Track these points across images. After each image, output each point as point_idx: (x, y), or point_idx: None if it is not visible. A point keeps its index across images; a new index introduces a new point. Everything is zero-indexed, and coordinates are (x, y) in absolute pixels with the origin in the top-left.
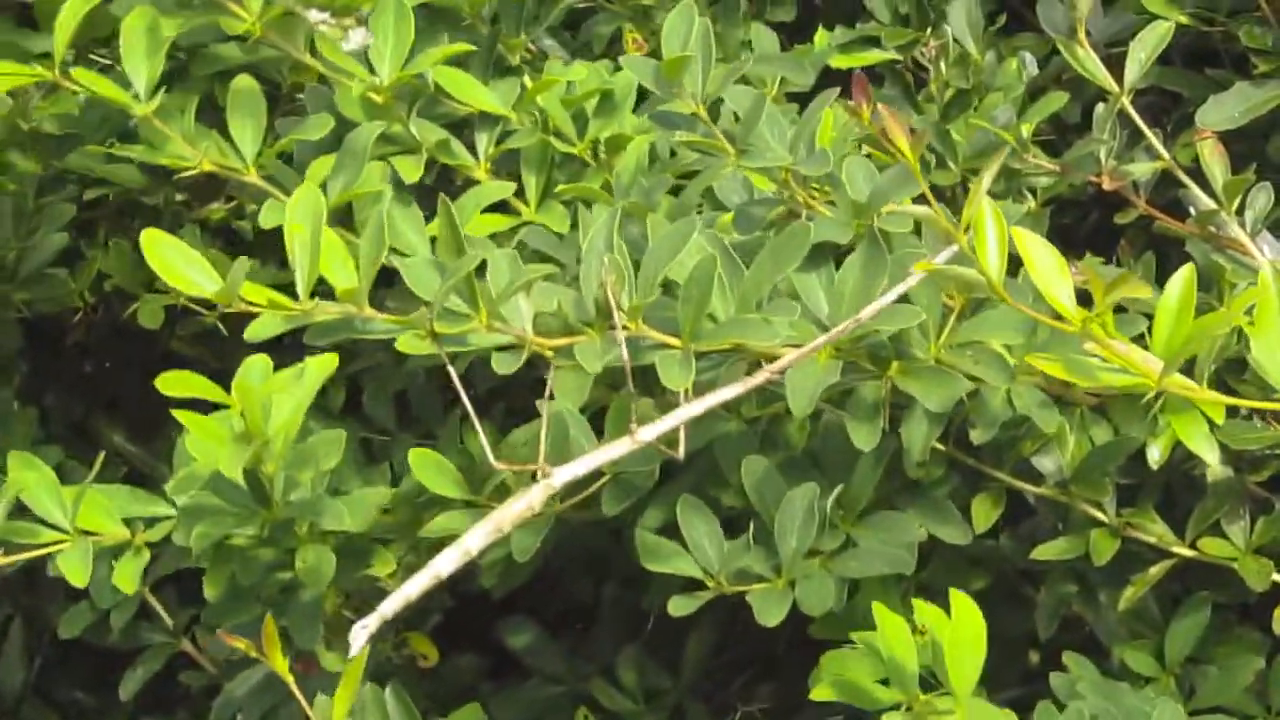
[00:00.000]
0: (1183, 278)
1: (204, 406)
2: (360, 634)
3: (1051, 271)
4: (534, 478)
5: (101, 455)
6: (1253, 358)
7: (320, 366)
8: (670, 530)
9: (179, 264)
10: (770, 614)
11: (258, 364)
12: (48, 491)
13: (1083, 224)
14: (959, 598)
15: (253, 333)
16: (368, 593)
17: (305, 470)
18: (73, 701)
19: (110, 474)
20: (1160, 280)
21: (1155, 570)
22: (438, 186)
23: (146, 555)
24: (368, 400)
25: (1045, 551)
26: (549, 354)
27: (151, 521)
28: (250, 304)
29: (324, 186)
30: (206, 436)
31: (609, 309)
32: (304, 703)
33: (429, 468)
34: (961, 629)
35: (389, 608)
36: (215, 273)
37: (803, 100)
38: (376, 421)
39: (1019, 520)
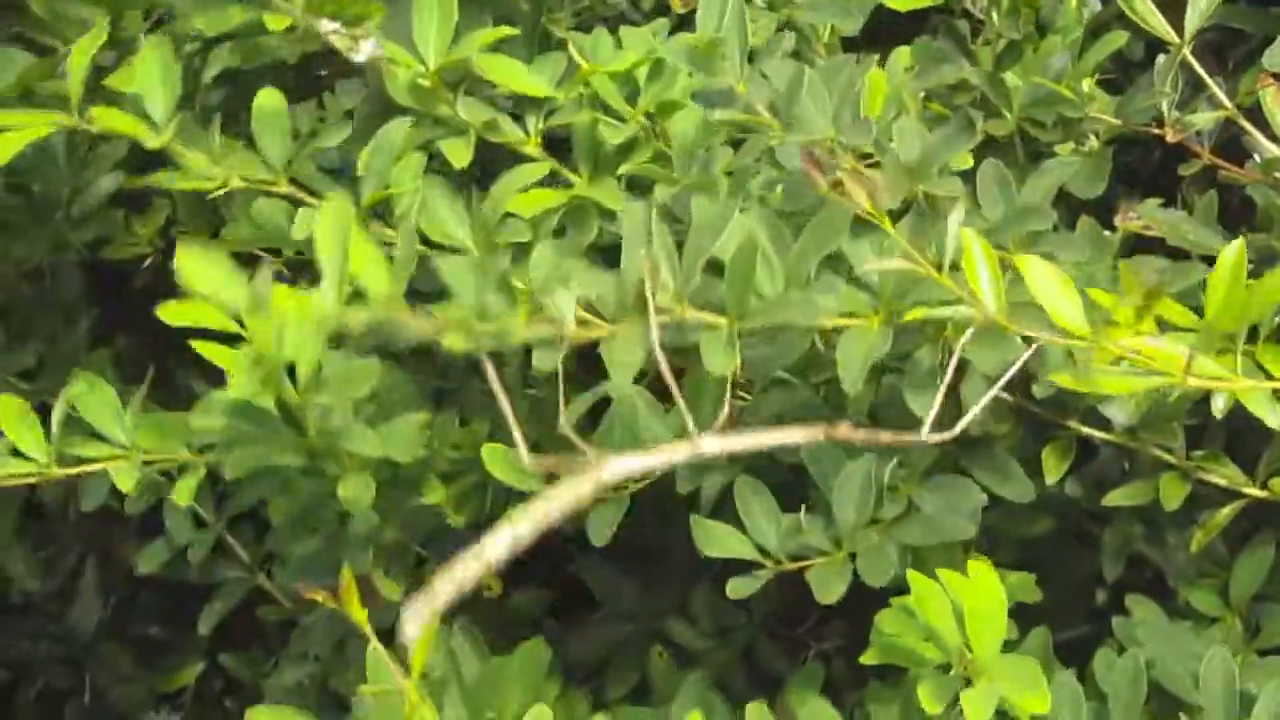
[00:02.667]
0: (1233, 255)
1: None
2: (410, 624)
3: (1056, 293)
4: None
5: (150, 373)
6: None
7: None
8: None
9: (213, 280)
10: (829, 590)
11: (278, 294)
12: (108, 409)
13: (1146, 161)
14: (978, 568)
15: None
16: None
17: (335, 398)
18: (147, 638)
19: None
20: (1222, 220)
21: (1226, 512)
22: (487, 172)
23: (203, 472)
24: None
25: (1116, 498)
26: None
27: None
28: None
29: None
30: (224, 364)
31: (649, 298)
32: (373, 638)
33: (501, 462)
34: (980, 599)
35: (441, 592)
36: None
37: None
38: (448, 367)
39: (1084, 462)
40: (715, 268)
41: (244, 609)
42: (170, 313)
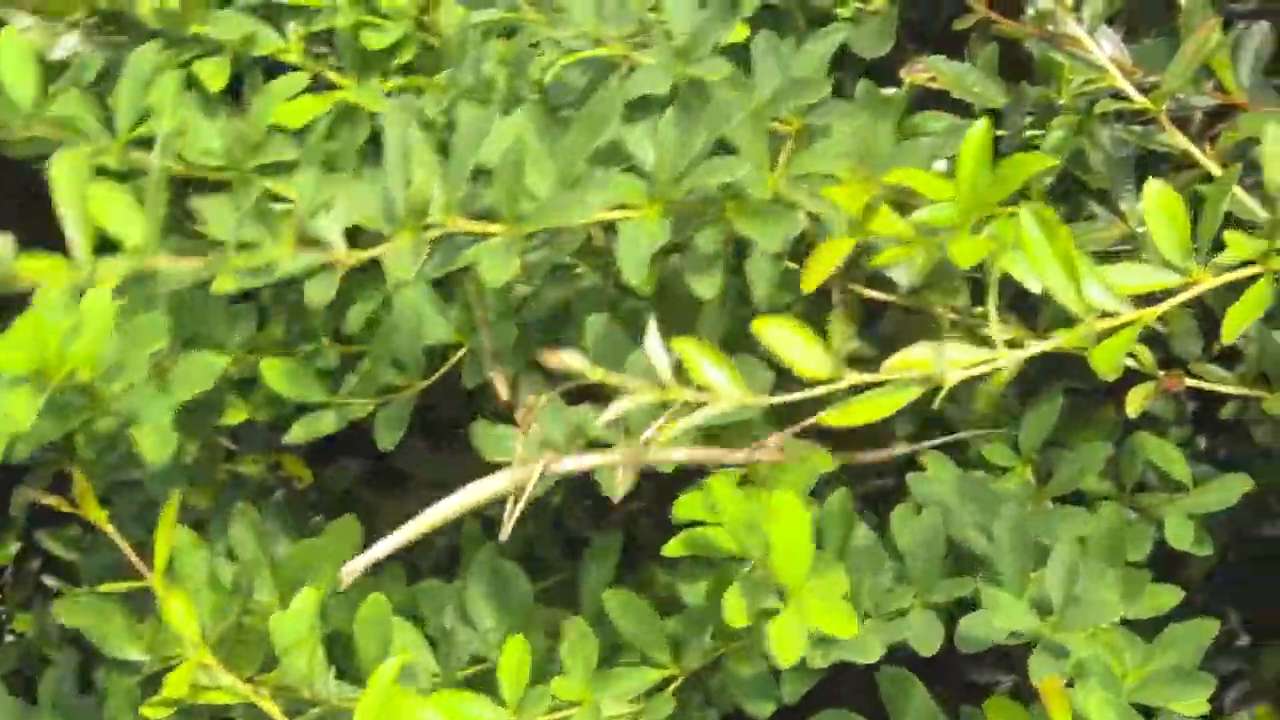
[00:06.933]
0: (977, 137)
1: None
2: (347, 574)
3: (797, 349)
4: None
5: None
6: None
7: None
8: None
9: None
10: (618, 486)
11: (48, 299)
12: None
13: (934, 20)
14: (783, 499)
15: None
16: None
17: (121, 377)
18: None
19: None
20: (1011, 73)
21: (1010, 365)
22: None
23: None
24: None
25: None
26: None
27: None
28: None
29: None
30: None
31: (420, 208)
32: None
33: (283, 377)
34: (786, 531)
35: (380, 551)
36: None
37: None
38: None
39: (871, 323)
40: (486, 174)
41: (60, 488)
42: None
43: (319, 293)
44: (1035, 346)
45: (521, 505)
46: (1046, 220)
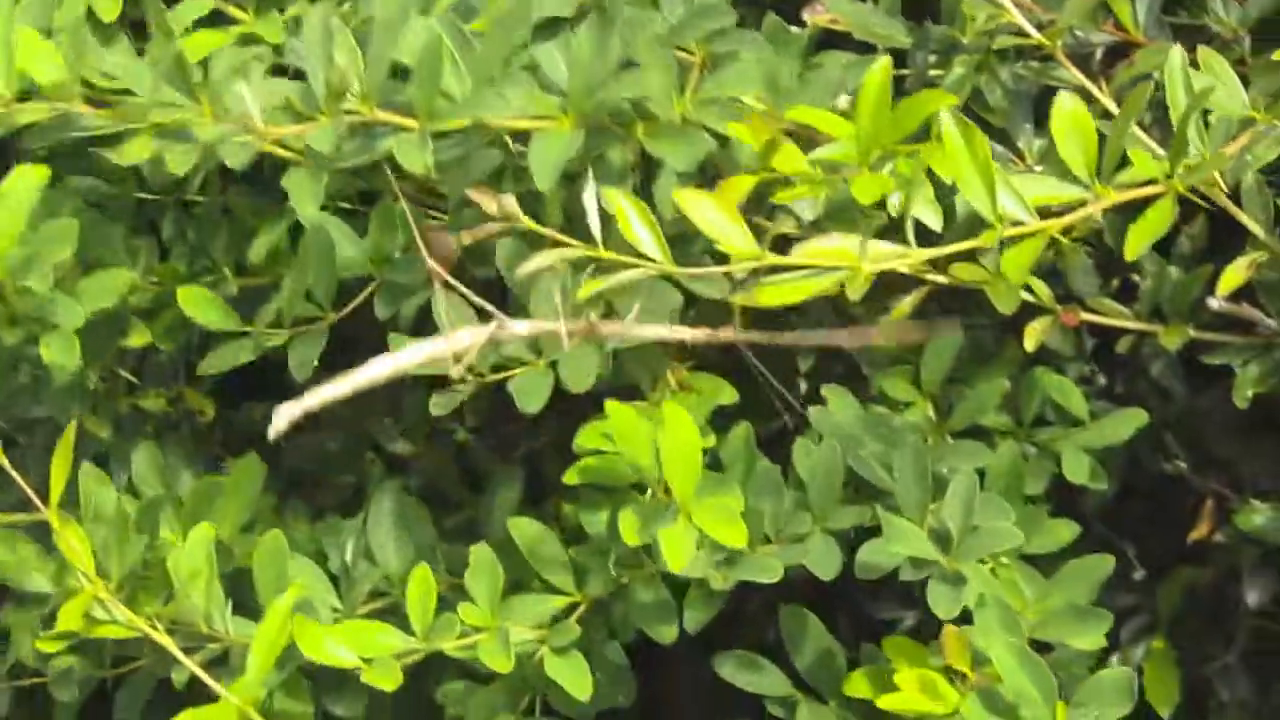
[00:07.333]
0: (876, 78)
1: None
2: (280, 419)
3: (721, 224)
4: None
5: None
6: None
7: (27, 180)
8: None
9: None
10: (531, 398)
11: None
12: None
13: None
14: (673, 410)
15: None
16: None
17: (33, 272)
18: None
19: None
20: (912, 13)
21: (909, 299)
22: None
23: None
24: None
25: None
26: (277, 149)
27: None
28: None
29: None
30: None
31: (339, 92)
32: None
33: (199, 303)
34: (675, 441)
35: (311, 401)
36: None
37: None
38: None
39: None
40: (402, 73)
41: None
42: None
43: (237, 158)
44: (949, 248)
45: (468, 361)
46: (968, 127)
